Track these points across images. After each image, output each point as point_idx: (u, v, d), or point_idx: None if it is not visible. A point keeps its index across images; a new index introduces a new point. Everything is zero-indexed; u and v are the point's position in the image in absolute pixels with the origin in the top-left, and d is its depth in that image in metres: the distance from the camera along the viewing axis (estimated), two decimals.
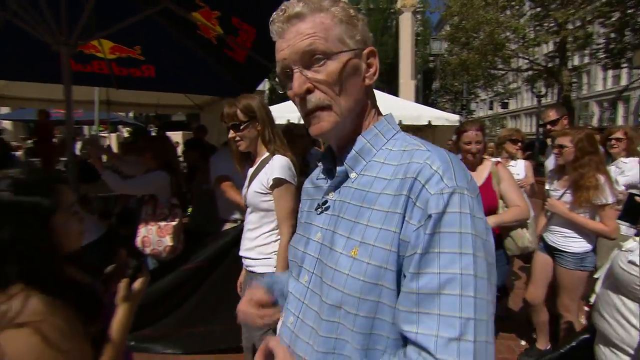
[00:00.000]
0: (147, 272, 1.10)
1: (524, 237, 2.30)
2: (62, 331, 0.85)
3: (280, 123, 8.36)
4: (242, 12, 2.77)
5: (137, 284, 1.07)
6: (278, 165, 1.66)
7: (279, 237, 1.73)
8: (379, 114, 0.77)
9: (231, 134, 1.77)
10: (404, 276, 0.61)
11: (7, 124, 11.53)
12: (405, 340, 0.60)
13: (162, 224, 2.29)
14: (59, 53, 3.88)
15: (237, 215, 2.52)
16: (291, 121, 7.73)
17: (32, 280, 0.86)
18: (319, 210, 0.76)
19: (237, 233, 2.11)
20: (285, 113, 8.09)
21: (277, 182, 1.65)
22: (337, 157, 0.78)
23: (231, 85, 4.50)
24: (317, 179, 0.85)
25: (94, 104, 6.25)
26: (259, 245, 1.75)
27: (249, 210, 1.81)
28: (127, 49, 3.84)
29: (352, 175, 0.72)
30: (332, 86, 0.67)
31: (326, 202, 0.75)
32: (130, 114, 14.65)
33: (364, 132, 0.73)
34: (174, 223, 2.28)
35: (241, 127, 1.73)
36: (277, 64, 0.72)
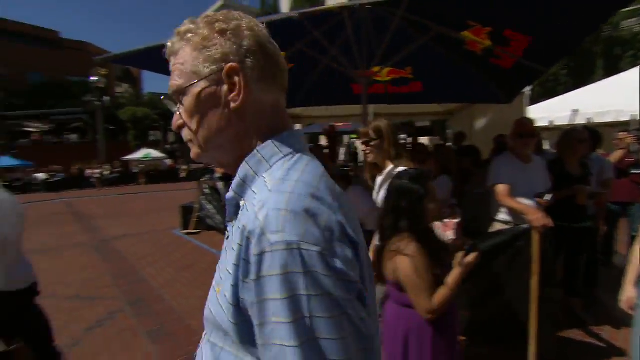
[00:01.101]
0: (479, 252, 1.53)
1: None
2: (424, 266, 1.44)
3: (542, 125, 7.51)
4: (517, 24, 2.88)
5: (470, 257, 1.49)
6: None
7: None
8: (271, 136, 0.65)
9: (363, 147, 2.24)
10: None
11: None
12: None
13: (446, 221, 2.72)
14: (350, 82, 5.09)
15: (506, 217, 2.66)
16: (555, 123, 6.85)
17: (412, 233, 1.49)
18: (226, 236, 0.70)
19: (516, 232, 2.32)
20: (549, 113, 7.22)
21: None
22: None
23: (487, 92, 4.59)
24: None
25: (361, 117, 7.72)
26: None
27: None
28: (401, 71, 4.62)
29: (242, 203, 0.65)
30: (190, 122, 0.65)
31: (227, 228, 0.71)
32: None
33: (247, 157, 0.64)
34: (456, 220, 2.67)
35: (370, 143, 2.20)
36: None
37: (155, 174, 23.19)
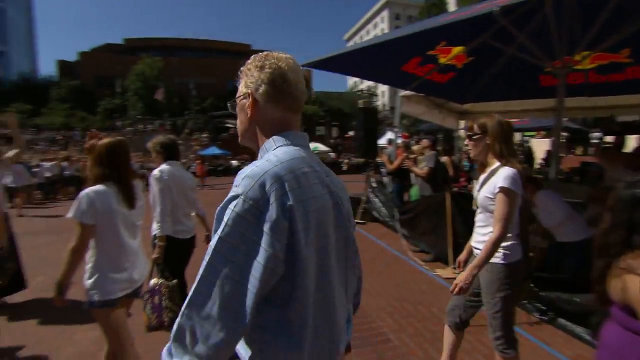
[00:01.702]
0: None
1: None
2: None
3: None
4: None
5: None
6: (504, 176, 1.99)
7: None
8: (273, 135, 0.97)
9: (467, 141, 2.21)
10: None
11: (461, 132, 14.77)
12: None
13: None
14: (539, 73, 4.50)
15: None
16: None
17: None
18: None
19: None
20: None
21: (501, 189, 1.99)
22: None
23: None
24: None
25: (544, 111, 6.62)
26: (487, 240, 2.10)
27: (478, 210, 2.21)
28: (611, 55, 3.82)
29: None
30: (237, 119, 1.04)
31: None
32: (565, 118, 14.07)
33: (259, 150, 0.99)
34: None
35: (473, 138, 2.14)
36: None
37: None
